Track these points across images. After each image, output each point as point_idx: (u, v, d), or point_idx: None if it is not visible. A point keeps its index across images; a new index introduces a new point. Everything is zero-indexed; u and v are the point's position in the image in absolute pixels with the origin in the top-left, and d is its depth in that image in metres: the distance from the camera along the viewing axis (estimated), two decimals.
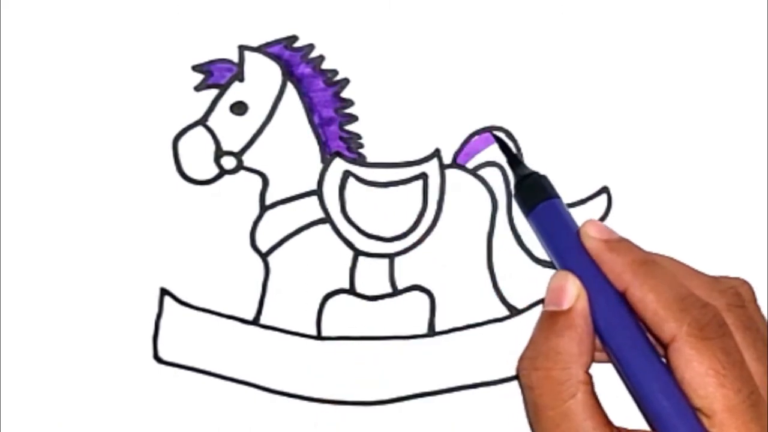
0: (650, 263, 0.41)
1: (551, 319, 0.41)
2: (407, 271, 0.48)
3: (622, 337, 0.41)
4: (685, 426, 0.39)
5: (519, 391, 0.47)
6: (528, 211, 0.45)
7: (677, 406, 0.39)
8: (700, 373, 0.38)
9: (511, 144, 0.48)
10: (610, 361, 0.43)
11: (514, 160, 0.47)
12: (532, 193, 0.45)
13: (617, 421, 0.41)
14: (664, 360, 0.40)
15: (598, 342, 0.42)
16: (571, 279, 0.42)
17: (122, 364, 0.48)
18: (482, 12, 0.49)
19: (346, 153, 0.49)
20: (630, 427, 0.41)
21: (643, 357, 0.40)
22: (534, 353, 0.42)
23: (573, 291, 0.41)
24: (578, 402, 0.40)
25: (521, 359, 0.42)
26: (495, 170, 0.48)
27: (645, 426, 0.42)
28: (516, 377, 0.47)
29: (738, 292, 0.42)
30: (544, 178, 0.46)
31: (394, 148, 0.49)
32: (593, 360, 0.42)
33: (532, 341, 0.42)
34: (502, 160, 0.48)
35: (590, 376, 0.41)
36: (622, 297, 0.41)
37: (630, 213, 0.48)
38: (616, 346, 0.41)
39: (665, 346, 0.40)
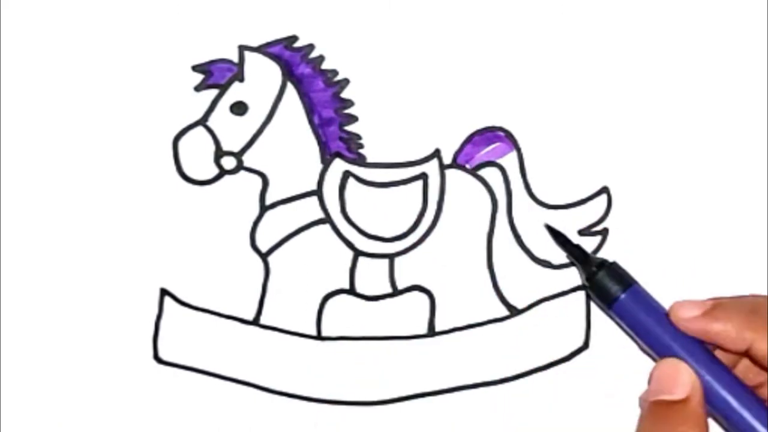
0: (760, 310, 0.39)
1: (663, 410, 0.39)
2: (407, 271, 0.48)
3: (743, 409, 0.39)
4: None
5: (519, 391, 0.47)
6: (608, 303, 0.43)
7: None
8: None
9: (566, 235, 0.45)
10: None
11: (581, 253, 0.44)
12: (609, 283, 0.42)
13: None
14: None
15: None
16: (683, 366, 0.40)
17: (122, 364, 0.48)
18: (482, 12, 0.49)
19: (346, 153, 0.49)
20: None
21: None
22: None
23: (687, 378, 0.39)
24: None
25: None
26: (495, 170, 0.48)
27: None
28: (516, 377, 0.47)
29: None
30: (615, 264, 0.43)
31: (394, 148, 0.49)
32: None
33: (639, 429, 0.40)
34: (502, 160, 0.48)
35: None
36: (734, 374, 0.40)
37: (630, 213, 0.48)
38: (739, 422, 0.39)
39: None
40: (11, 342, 0.48)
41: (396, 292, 0.48)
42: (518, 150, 0.48)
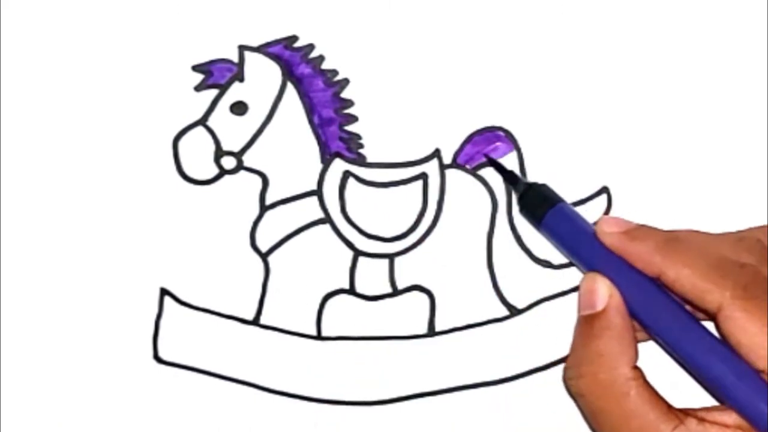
0: (676, 240, 0.40)
1: (587, 323, 0.41)
2: (407, 271, 0.48)
3: (667, 320, 0.40)
4: (750, 387, 0.38)
5: (519, 391, 0.47)
6: (538, 222, 0.45)
7: (738, 369, 0.38)
8: (755, 333, 0.38)
9: (504, 162, 0.48)
10: (657, 344, 0.42)
11: (511, 176, 0.47)
12: (537, 203, 0.45)
13: (679, 403, 0.40)
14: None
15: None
16: (599, 279, 0.41)
17: (122, 364, 0.48)
18: (482, 12, 0.49)
19: (346, 153, 0.49)
20: (694, 407, 0.40)
21: (693, 333, 0.40)
22: (576, 360, 0.41)
23: (604, 290, 0.41)
24: (633, 399, 0.39)
25: (565, 369, 0.42)
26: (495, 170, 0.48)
27: (708, 402, 0.41)
28: (516, 377, 0.47)
29: (763, 243, 0.41)
30: (544, 186, 0.46)
31: (394, 148, 0.49)
32: (638, 354, 0.41)
33: (573, 349, 0.42)
34: (502, 160, 0.48)
35: (639, 370, 0.40)
36: (656, 282, 0.41)
37: (630, 213, 0.48)
38: (663, 330, 0.40)
39: (713, 318, 0.39)
40: (11, 342, 0.48)
41: (396, 292, 0.48)
42: (518, 150, 0.48)
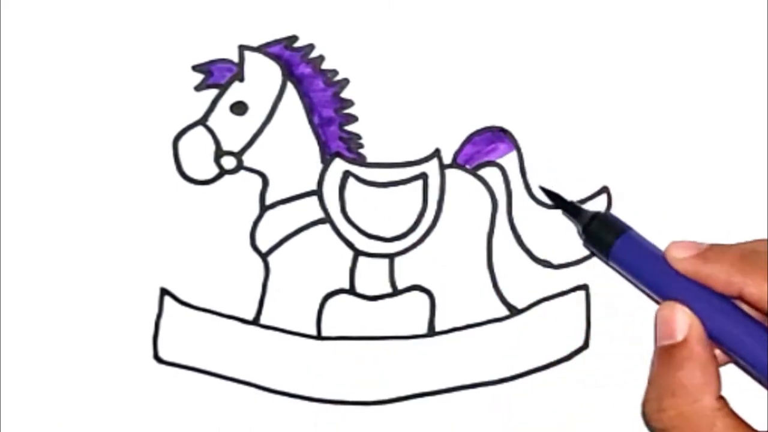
0: (753, 254, 0.39)
1: (667, 354, 0.40)
2: (407, 271, 0.48)
3: (751, 342, 0.39)
4: None
5: (519, 391, 0.47)
6: (606, 253, 0.44)
7: None
8: None
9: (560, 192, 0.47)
10: (740, 368, 0.42)
11: (573, 208, 0.46)
12: (603, 233, 0.44)
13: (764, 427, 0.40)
14: None
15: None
16: (678, 308, 0.40)
17: (122, 364, 0.48)
18: (482, 12, 0.49)
19: (346, 153, 0.49)
20: None
21: None
22: (657, 393, 0.40)
23: (684, 320, 0.40)
24: (720, 430, 0.38)
25: (645, 402, 0.41)
26: (495, 170, 0.48)
27: None
28: (516, 377, 0.47)
29: None
30: (609, 215, 0.45)
31: (394, 148, 0.49)
32: (721, 384, 0.40)
33: (653, 381, 0.41)
34: (502, 160, 0.48)
35: (724, 400, 0.39)
36: (735, 303, 0.40)
37: (630, 213, 0.48)
38: (748, 354, 0.39)
39: None
40: (11, 342, 0.48)
41: (396, 292, 0.48)
42: (518, 150, 0.48)
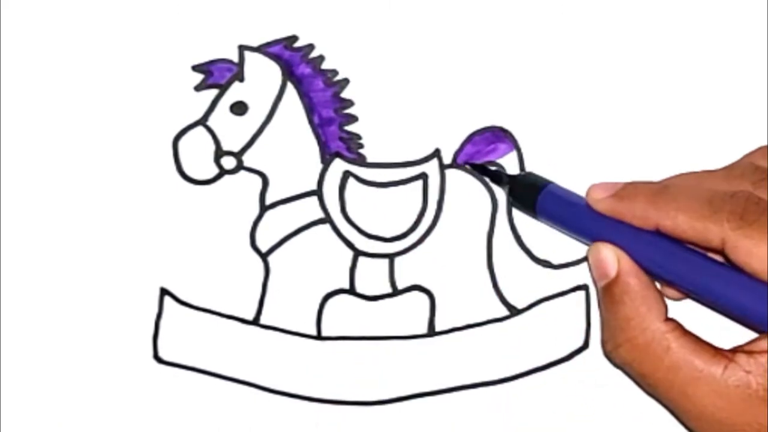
0: (664, 189, 0.40)
1: (607, 293, 0.41)
2: (407, 271, 0.48)
3: (683, 266, 0.40)
4: None
5: (519, 391, 0.47)
6: (532, 211, 0.45)
7: (761, 293, 0.38)
8: (763, 257, 0.37)
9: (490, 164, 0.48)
10: (685, 295, 0.42)
11: (496, 176, 0.47)
12: (526, 193, 0.45)
13: (726, 344, 0.40)
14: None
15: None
16: (603, 247, 0.41)
17: (122, 364, 0.48)
18: (482, 12, 0.49)
19: (346, 153, 0.49)
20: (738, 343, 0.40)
21: (709, 270, 0.39)
22: (609, 332, 0.41)
23: (611, 257, 0.41)
24: (676, 351, 0.39)
25: (603, 345, 0.42)
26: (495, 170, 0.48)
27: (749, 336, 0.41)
28: (516, 377, 0.47)
29: (756, 166, 0.41)
30: (529, 174, 0.46)
31: (394, 148, 0.49)
32: (667, 307, 0.41)
33: (602, 322, 0.42)
34: (502, 160, 0.48)
35: (674, 321, 0.40)
36: (659, 234, 0.41)
37: None
38: (682, 277, 0.40)
39: (722, 254, 0.39)
40: (11, 342, 0.48)
41: (396, 292, 0.48)
42: (518, 150, 0.48)
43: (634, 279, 0.41)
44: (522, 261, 0.48)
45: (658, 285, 0.42)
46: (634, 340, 0.40)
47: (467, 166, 0.48)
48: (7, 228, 0.49)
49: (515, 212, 0.48)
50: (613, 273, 0.41)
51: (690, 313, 0.43)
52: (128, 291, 0.48)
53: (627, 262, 0.41)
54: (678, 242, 0.40)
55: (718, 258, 0.40)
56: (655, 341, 0.40)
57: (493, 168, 0.48)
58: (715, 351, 0.39)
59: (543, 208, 0.45)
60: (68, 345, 0.48)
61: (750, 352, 0.39)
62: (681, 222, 0.39)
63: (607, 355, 0.42)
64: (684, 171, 0.48)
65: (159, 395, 0.48)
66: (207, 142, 0.49)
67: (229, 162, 0.49)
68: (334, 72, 0.49)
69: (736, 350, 0.39)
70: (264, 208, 0.49)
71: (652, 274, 0.41)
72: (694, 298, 0.42)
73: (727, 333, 0.43)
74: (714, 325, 0.43)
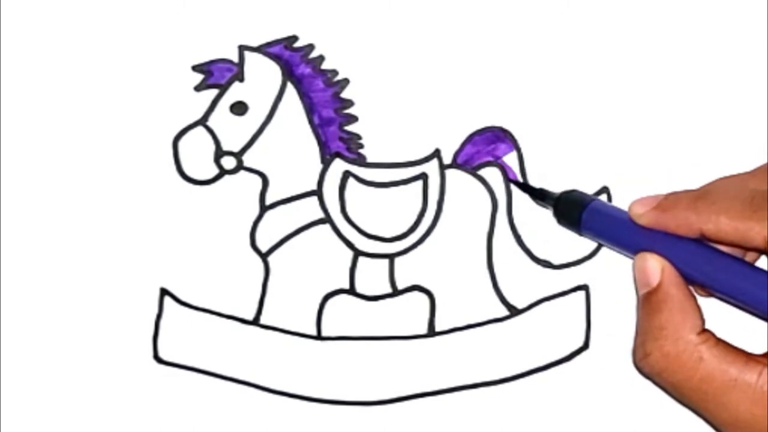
0: (704, 194, 0.40)
1: (646, 301, 0.41)
2: (407, 271, 0.48)
3: (725, 273, 0.40)
4: None
5: (519, 391, 0.47)
6: (576, 227, 0.45)
7: None
8: None
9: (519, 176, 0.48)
10: (724, 301, 0.42)
11: (540, 193, 0.47)
12: (570, 210, 0.45)
13: (759, 347, 0.40)
14: None
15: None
16: (648, 256, 0.41)
17: (122, 364, 0.48)
18: (482, 12, 0.49)
19: (346, 153, 0.49)
20: None
21: (756, 275, 0.39)
22: (641, 340, 0.41)
23: (655, 266, 0.41)
24: (708, 362, 0.39)
25: (633, 352, 0.42)
26: (495, 170, 0.48)
27: None
28: (516, 377, 0.47)
29: None
30: (573, 192, 0.46)
31: (394, 148, 0.49)
32: (704, 320, 0.40)
33: (637, 330, 0.42)
34: (502, 160, 0.48)
35: (708, 332, 0.40)
36: (702, 243, 0.41)
37: None
38: (725, 285, 0.40)
39: (766, 253, 0.39)
40: (11, 342, 0.48)
41: (396, 292, 0.48)
42: (518, 150, 0.48)
43: (674, 289, 0.40)
44: (522, 261, 0.48)
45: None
46: (665, 349, 0.40)
47: (513, 182, 0.48)
48: (7, 228, 0.49)
49: (515, 212, 0.48)
50: (655, 282, 0.41)
51: (723, 316, 0.43)
52: (128, 291, 0.48)
53: (670, 272, 0.41)
54: (720, 251, 0.41)
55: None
56: (687, 351, 0.39)
57: (538, 188, 0.47)
58: (748, 357, 0.39)
59: (588, 225, 0.45)
60: (68, 345, 0.48)
61: None
62: (723, 224, 0.39)
63: (637, 365, 0.41)
64: (684, 171, 0.48)
65: (159, 395, 0.48)
66: (207, 142, 0.49)
67: (229, 162, 0.49)
68: (334, 72, 0.49)
69: None
70: (264, 208, 0.49)
71: (695, 282, 0.41)
72: (734, 304, 0.42)
73: (761, 336, 0.43)
74: (747, 327, 0.43)
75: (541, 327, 0.47)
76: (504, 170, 0.48)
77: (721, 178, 0.43)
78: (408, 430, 0.47)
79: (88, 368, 0.48)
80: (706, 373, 0.39)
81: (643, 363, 0.41)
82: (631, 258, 0.43)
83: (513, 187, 0.48)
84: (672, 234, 0.41)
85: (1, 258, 0.49)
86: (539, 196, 0.47)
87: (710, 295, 0.43)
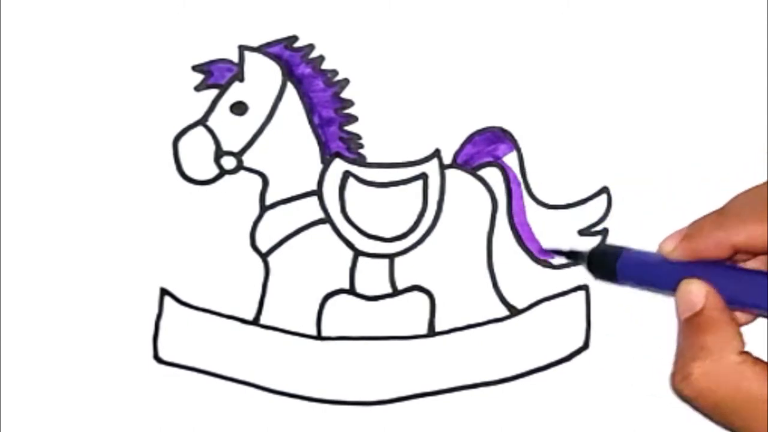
0: (725, 210, 0.41)
1: (688, 325, 0.41)
2: (407, 271, 0.48)
3: (759, 290, 0.40)
4: None
5: (519, 391, 0.47)
6: (613, 278, 0.45)
7: None
8: None
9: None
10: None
11: (573, 255, 0.47)
12: (604, 264, 0.45)
13: None
14: None
15: None
16: (693, 281, 0.41)
17: (122, 364, 0.48)
18: (482, 12, 0.49)
19: (346, 153, 0.49)
20: None
21: None
22: (682, 362, 0.40)
23: (700, 289, 0.41)
24: (750, 379, 0.39)
25: (673, 376, 0.41)
26: (495, 170, 0.48)
27: None
28: (516, 377, 0.47)
29: None
30: (602, 245, 0.46)
31: (394, 148, 0.49)
32: (744, 343, 0.40)
33: (678, 354, 0.41)
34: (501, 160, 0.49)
35: (748, 353, 0.40)
36: (740, 266, 0.41)
37: (630, 213, 0.48)
38: (762, 301, 0.40)
39: None
40: (11, 342, 0.48)
41: (396, 292, 0.48)
42: (518, 150, 0.48)
43: (717, 312, 0.40)
44: (522, 261, 0.48)
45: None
46: (707, 368, 0.39)
47: (548, 251, 0.48)
48: (7, 228, 0.49)
49: (515, 212, 0.48)
50: (699, 305, 0.40)
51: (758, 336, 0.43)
52: (128, 291, 0.48)
53: (714, 297, 0.41)
54: (755, 270, 0.41)
55: None
56: (729, 369, 0.39)
57: (568, 249, 0.47)
58: None
59: (624, 274, 0.44)
60: (68, 345, 0.48)
61: None
62: (753, 231, 0.39)
63: (676, 387, 0.41)
64: (684, 171, 0.48)
65: (159, 395, 0.48)
66: (207, 142, 0.49)
67: (229, 162, 0.49)
68: (334, 72, 0.49)
69: None
70: (264, 208, 0.49)
71: (735, 306, 0.41)
72: None
73: None
74: None
75: (541, 327, 0.47)
76: (504, 170, 0.48)
77: (737, 195, 0.42)
78: (408, 430, 0.47)
79: (88, 368, 0.48)
80: (748, 391, 0.39)
81: (684, 384, 0.40)
82: (673, 296, 0.43)
83: (513, 188, 0.48)
84: (707, 262, 0.41)
85: (1, 258, 0.49)
86: (571, 257, 0.47)
87: (751, 317, 0.43)
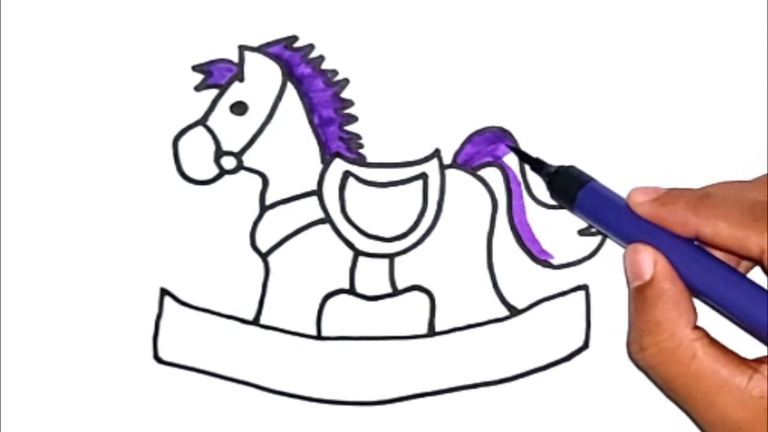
0: (707, 197, 0.40)
1: (640, 294, 0.41)
2: (407, 271, 0.48)
3: (712, 278, 0.40)
4: None
5: (519, 391, 0.47)
6: (570, 204, 0.45)
7: None
8: None
9: (523, 149, 0.48)
10: (706, 304, 0.42)
11: (537, 163, 0.47)
12: (567, 186, 0.45)
13: (751, 353, 0.40)
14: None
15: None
16: (642, 249, 0.41)
17: (122, 364, 0.48)
18: (482, 12, 0.49)
19: (346, 153, 0.49)
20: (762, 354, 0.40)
21: (740, 286, 0.40)
22: (637, 334, 0.41)
23: (648, 259, 0.41)
24: (701, 359, 0.39)
25: (628, 345, 0.42)
26: (495, 170, 0.48)
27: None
28: (516, 377, 0.47)
29: None
30: (572, 168, 0.46)
31: (394, 148, 0.49)
32: (697, 315, 0.41)
33: (631, 323, 0.42)
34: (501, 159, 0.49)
35: (702, 330, 0.40)
36: (696, 242, 0.41)
37: None
38: (714, 291, 0.40)
39: (760, 262, 0.39)
40: (11, 342, 0.48)
41: (396, 292, 0.48)
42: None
43: (668, 284, 0.40)
44: (522, 261, 0.48)
45: None
46: (662, 344, 0.40)
47: (510, 149, 0.48)
48: (7, 228, 0.49)
49: (515, 212, 0.48)
50: (647, 276, 0.41)
51: (717, 320, 0.43)
52: (128, 291, 0.48)
53: (664, 266, 0.41)
54: (714, 256, 0.41)
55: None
56: (682, 347, 0.39)
57: (535, 157, 0.47)
58: (740, 361, 0.39)
59: (582, 203, 0.44)
60: (68, 345, 0.48)
61: None
62: (721, 230, 0.39)
63: (632, 357, 0.42)
64: (683, 171, 0.48)
65: (159, 395, 0.48)
66: (207, 142, 0.49)
67: (229, 162, 0.49)
68: (334, 72, 0.49)
69: (761, 360, 0.39)
70: (264, 208, 0.49)
71: (684, 282, 0.41)
72: (719, 311, 0.42)
73: (754, 342, 0.42)
74: (740, 333, 0.43)
75: (541, 327, 0.47)
76: (504, 170, 0.48)
77: (721, 183, 0.42)
78: (408, 430, 0.47)
79: (88, 368, 0.48)
80: (697, 370, 0.39)
81: (639, 356, 0.41)
82: (623, 246, 0.43)
83: (513, 188, 0.48)
84: (667, 230, 0.41)
85: (1, 258, 0.49)
86: (536, 166, 0.47)
87: (697, 297, 0.43)
